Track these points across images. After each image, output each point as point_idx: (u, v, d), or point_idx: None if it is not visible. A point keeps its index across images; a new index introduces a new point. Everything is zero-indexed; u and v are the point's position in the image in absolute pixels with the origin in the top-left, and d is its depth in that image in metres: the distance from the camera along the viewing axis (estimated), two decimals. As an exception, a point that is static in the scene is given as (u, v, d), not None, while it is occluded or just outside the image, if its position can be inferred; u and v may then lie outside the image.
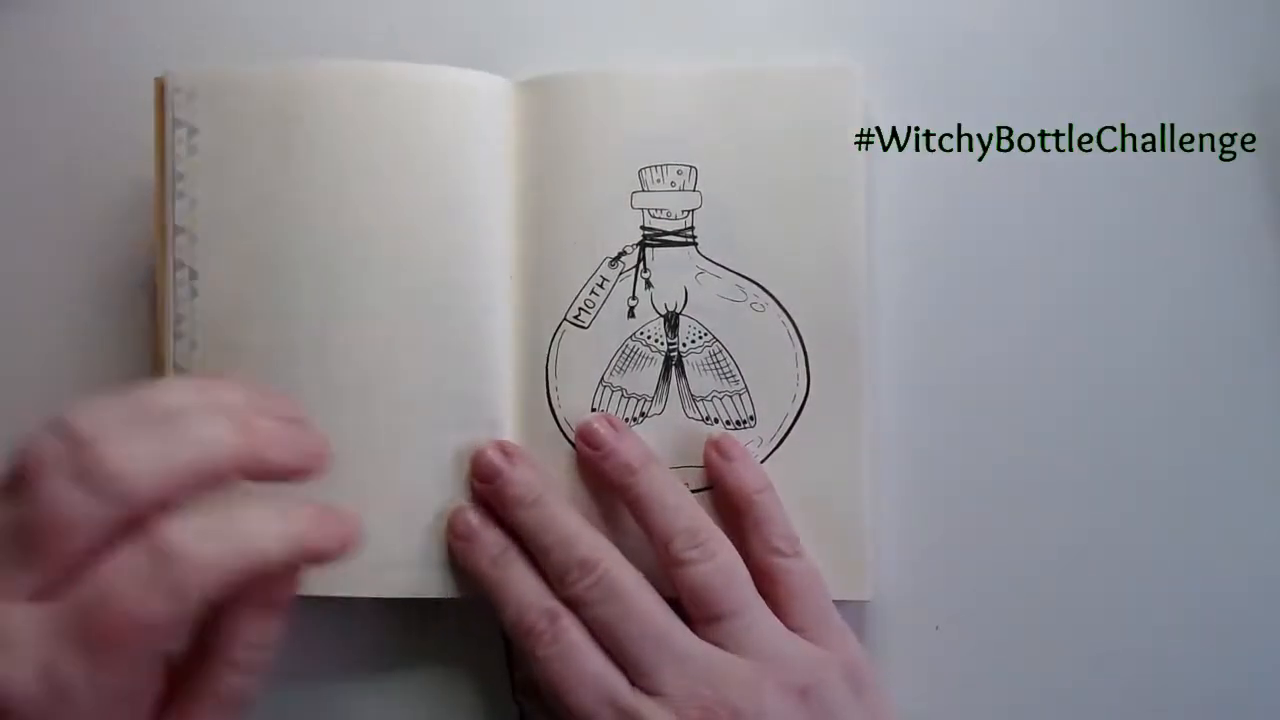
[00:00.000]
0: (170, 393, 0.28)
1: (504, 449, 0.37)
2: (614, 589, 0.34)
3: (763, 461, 0.38)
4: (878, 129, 0.40)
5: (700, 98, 0.39)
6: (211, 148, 0.38)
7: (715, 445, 0.38)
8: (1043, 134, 0.40)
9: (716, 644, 0.34)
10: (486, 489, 0.37)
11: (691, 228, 0.39)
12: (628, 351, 0.39)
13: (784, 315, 0.38)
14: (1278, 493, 0.39)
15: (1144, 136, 0.40)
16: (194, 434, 0.27)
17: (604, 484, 0.37)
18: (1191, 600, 0.34)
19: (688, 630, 0.34)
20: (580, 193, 0.39)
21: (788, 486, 0.38)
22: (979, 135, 0.40)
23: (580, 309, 0.39)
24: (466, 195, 0.38)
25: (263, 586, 0.29)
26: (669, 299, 0.39)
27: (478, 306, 0.38)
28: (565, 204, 0.39)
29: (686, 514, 0.36)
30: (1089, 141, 0.40)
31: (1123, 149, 0.40)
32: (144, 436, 0.26)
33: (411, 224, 0.38)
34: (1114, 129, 0.40)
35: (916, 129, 0.40)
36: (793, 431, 0.38)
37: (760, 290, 0.38)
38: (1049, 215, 0.40)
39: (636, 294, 0.39)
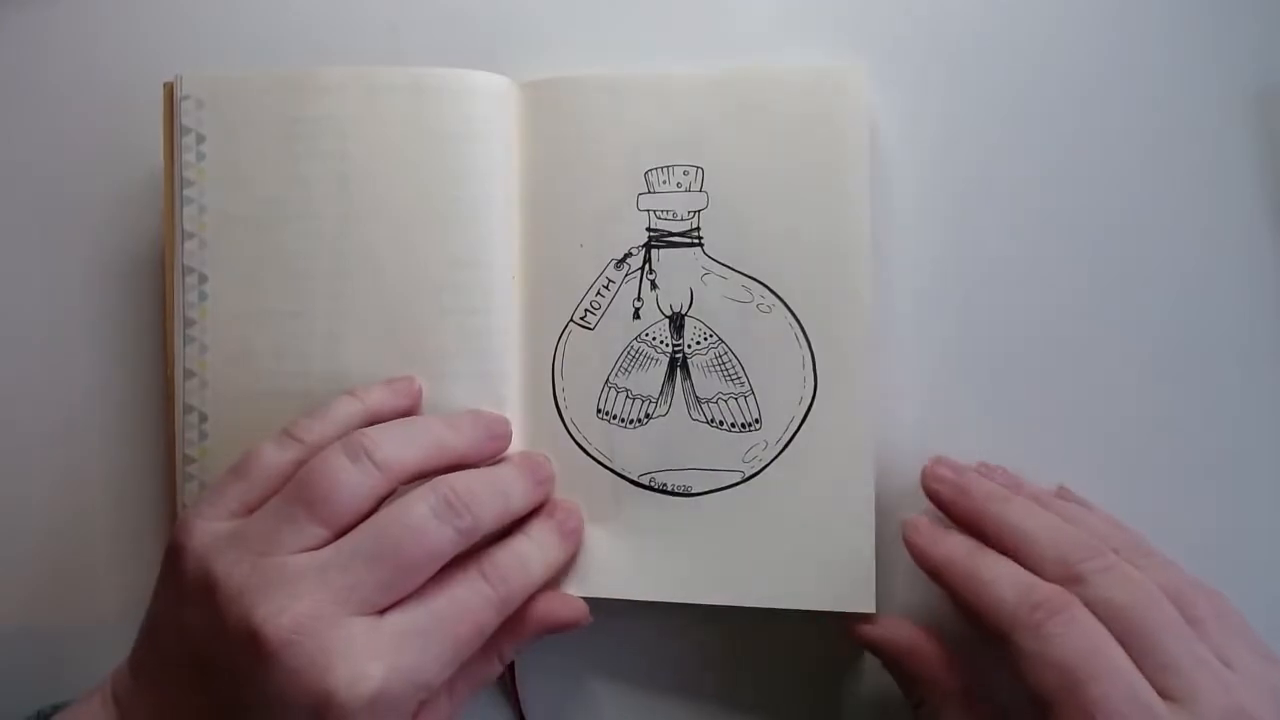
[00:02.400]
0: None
1: (952, 464, 0.37)
2: (1128, 576, 0.32)
3: (766, 466, 0.38)
4: (883, 128, 0.40)
5: (706, 98, 0.39)
6: (219, 154, 0.38)
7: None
8: (1045, 133, 0.40)
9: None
10: (949, 489, 0.36)
11: (698, 228, 0.39)
12: (633, 353, 0.39)
13: (791, 316, 0.38)
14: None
15: (1144, 136, 0.40)
16: (422, 424, 0.35)
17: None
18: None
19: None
20: (586, 194, 0.39)
21: (792, 491, 0.38)
22: (983, 134, 0.40)
23: (586, 310, 0.39)
24: (472, 197, 0.38)
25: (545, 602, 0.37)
26: (674, 300, 0.39)
27: (484, 308, 0.38)
28: (571, 206, 0.39)
29: (1084, 528, 0.34)
30: (1090, 141, 0.40)
31: (1123, 147, 0.40)
32: (391, 432, 0.34)
33: (418, 226, 0.38)
34: (1114, 127, 0.40)
35: (922, 129, 0.40)
36: (799, 434, 0.38)
37: (767, 291, 0.38)
38: (1052, 216, 0.40)
39: (642, 295, 0.39)
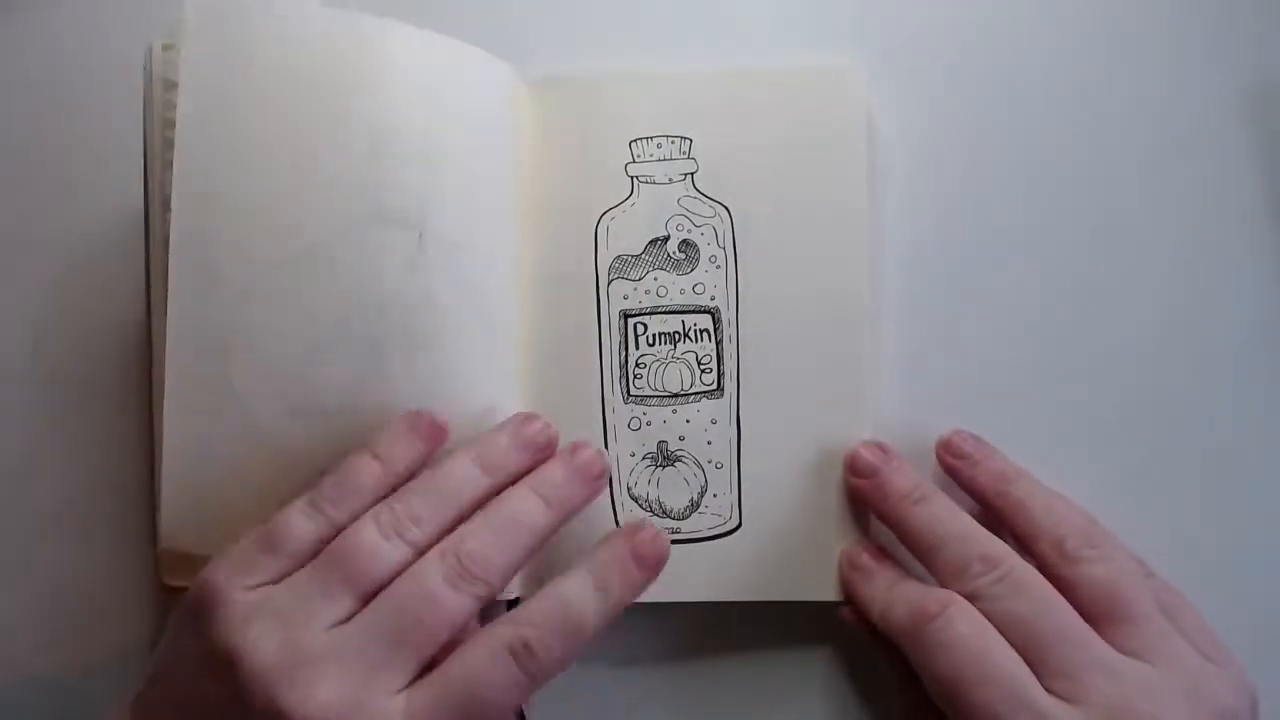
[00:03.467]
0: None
1: (881, 447, 0.37)
2: (1024, 584, 0.32)
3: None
4: (881, 128, 0.40)
5: (703, 98, 0.39)
6: (208, 115, 0.34)
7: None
8: (1044, 131, 0.40)
9: (1126, 651, 0.31)
10: (867, 484, 0.36)
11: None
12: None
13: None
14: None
15: (1144, 135, 0.40)
16: (452, 480, 0.33)
17: (975, 495, 0.36)
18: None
19: (1099, 638, 0.32)
20: (582, 195, 0.39)
21: (780, 489, 0.38)
22: (982, 134, 0.40)
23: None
24: (486, 191, 0.37)
25: None
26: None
27: (485, 305, 0.37)
28: (569, 207, 0.39)
29: (1077, 515, 0.34)
30: (1089, 140, 0.40)
31: (1123, 147, 0.40)
32: (420, 497, 0.32)
33: (433, 208, 0.36)
34: (1114, 127, 0.40)
35: (919, 128, 0.40)
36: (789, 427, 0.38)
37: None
38: (1050, 215, 0.40)
39: None
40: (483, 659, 0.30)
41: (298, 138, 0.34)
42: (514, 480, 0.34)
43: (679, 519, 0.38)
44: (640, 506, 0.38)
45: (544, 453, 0.35)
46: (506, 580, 0.32)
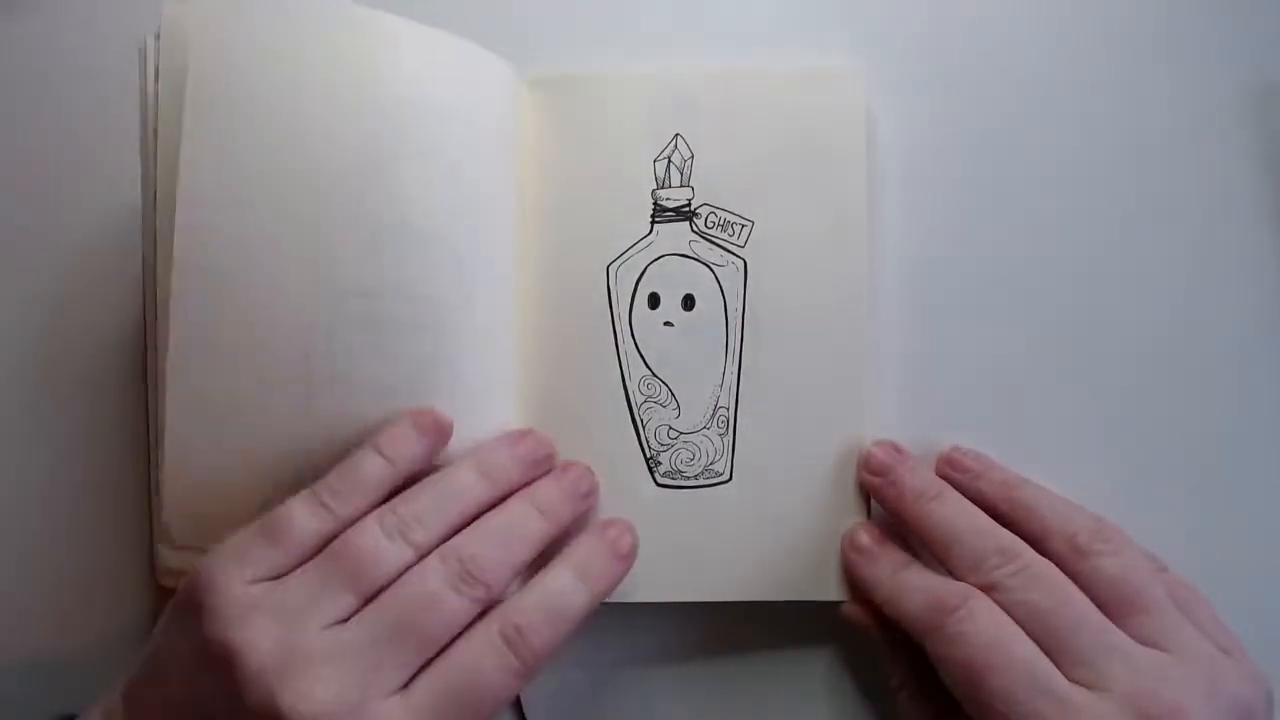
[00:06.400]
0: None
1: (895, 446, 0.37)
2: (1041, 576, 0.33)
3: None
4: (881, 129, 0.40)
5: (702, 99, 0.39)
6: (204, 104, 0.34)
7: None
8: (1044, 133, 0.40)
9: (1142, 641, 0.32)
10: (881, 482, 0.37)
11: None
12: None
13: None
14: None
15: (1144, 136, 0.40)
16: (453, 484, 0.34)
17: (982, 503, 0.36)
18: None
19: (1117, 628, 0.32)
20: (585, 198, 0.39)
21: (781, 488, 0.38)
22: (981, 134, 0.40)
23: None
24: (479, 193, 0.37)
25: None
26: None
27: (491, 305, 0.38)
28: (571, 209, 0.39)
29: (1086, 514, 0.35)
30: (1089, 140, 0.40)
31: (1123, 147, 0.40)
32: (423, 499, 0.33)
33: (426, 209, 0.35)
34: (1114, 127, 0.40)
35: (918, 129, 0.40)
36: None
37: None
38: (1050, 216, 0.40)
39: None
40: (477, 648, 0.31)
41: (290, 134, 0.34)
42: (511, 492, 0.35)
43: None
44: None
45: (540, 467, 0.36)
46: (505, 585, 0.33)
